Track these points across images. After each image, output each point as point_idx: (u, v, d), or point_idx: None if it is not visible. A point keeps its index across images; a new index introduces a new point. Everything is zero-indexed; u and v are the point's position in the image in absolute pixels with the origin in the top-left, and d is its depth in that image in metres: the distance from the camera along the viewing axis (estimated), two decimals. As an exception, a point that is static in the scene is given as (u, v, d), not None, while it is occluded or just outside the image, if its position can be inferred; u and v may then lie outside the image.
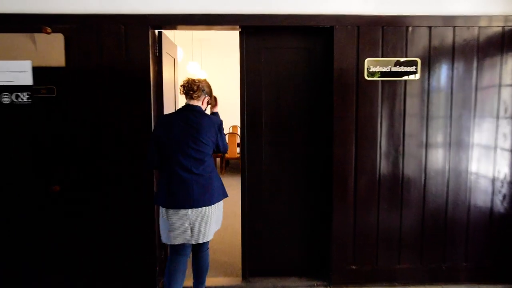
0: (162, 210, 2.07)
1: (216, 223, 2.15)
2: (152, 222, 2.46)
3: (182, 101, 2.28)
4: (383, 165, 2.50)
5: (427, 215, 2.53)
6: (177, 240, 2.04)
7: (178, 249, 2.12)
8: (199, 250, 2.21)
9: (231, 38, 9.20)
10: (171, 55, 2.88)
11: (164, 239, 2.08)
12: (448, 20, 2.41)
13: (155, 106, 2.48)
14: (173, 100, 3.05)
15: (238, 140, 7.09)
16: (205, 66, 9.14)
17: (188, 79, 2.15)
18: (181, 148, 2.02)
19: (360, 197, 2.51)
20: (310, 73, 2.56)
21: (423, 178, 2.51)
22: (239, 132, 6.97)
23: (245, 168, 2.59)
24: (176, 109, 2.23)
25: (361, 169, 2.49)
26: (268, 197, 2.63)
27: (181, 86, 2.15)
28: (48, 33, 2.27)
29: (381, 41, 2.41)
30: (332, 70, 2.44)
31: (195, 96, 2.12)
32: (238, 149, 7.04)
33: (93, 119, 2.37)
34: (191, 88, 2.11)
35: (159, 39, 2.55)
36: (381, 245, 2.55)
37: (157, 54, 2.54)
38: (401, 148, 2.49)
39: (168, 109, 2.83)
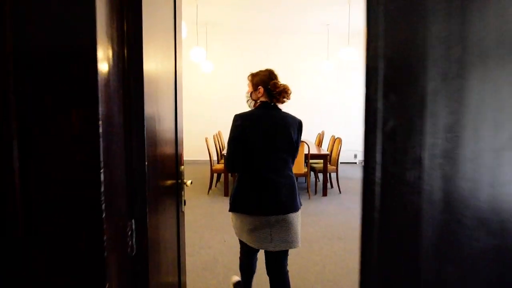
0: (240, 216, 1.89)
1: (298, 233, 1.93)
2: None
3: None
4: None
5: None
6: (256, 245, 1.88)
7: (253, 250, 2.01)
8: (278, 270, 1.95)
9: (243, 20, 7.66)
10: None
11: (249, 244, 1.91)
12: None
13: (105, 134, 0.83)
14: (172, 108, 1.40)
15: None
16: (210, 55, 7.51)
17: (283, 85, 1.90)
18: (269, 147, 1.86)
19: None
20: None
21: None
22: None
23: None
24: (254, 107, 1.96)
25: None
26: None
27: (277, 90, 1.88)
28: None
29: None
30: None
31: (284, 102, 1.94)
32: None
33: None
34: (287, 95, 1.91)
35: None
36: None
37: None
38: None
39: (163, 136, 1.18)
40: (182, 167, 1.48)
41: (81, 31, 0.72)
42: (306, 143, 5.00)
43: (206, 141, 5.38)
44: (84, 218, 0.74)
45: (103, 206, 0.74)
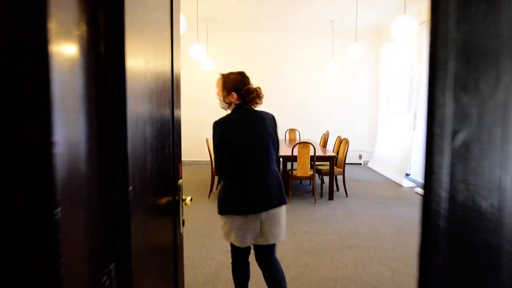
0: (234, 218, 1.90)
1: (284, 226, 2.01)
2: None
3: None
4: None
5: None
6: (249, 242, 1.93)
7: (244, 253, 2.05)
8: (268, 259, 2.04)
9: (244, 17, 7.42)
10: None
11: (236, 243, 1.94)
12: None
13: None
14: (168, 111, 1.17)
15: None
16: (211, 53, 7.27)
17: (256, 90, 1.93)
18: (253, 147, 1.89)
19: None
20: None
21: None
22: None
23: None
24: (229, 109, 2.00)
25: None
26: None
27: (251, 96, 1.92)
28: None
29: None
30: None
31: (255, 106, 1.99)
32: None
33: None
34: (259, 99, 1.96)
35: None
36: None
37: None
38: None
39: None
40: (180, 181, 1.25)
41: (24, 9, 0.49)
42: (312, 145, 4.77)
43: (207, 141, 5.15)
44: (34, 282, 0.51)
45: (61, 260, 0.51)
